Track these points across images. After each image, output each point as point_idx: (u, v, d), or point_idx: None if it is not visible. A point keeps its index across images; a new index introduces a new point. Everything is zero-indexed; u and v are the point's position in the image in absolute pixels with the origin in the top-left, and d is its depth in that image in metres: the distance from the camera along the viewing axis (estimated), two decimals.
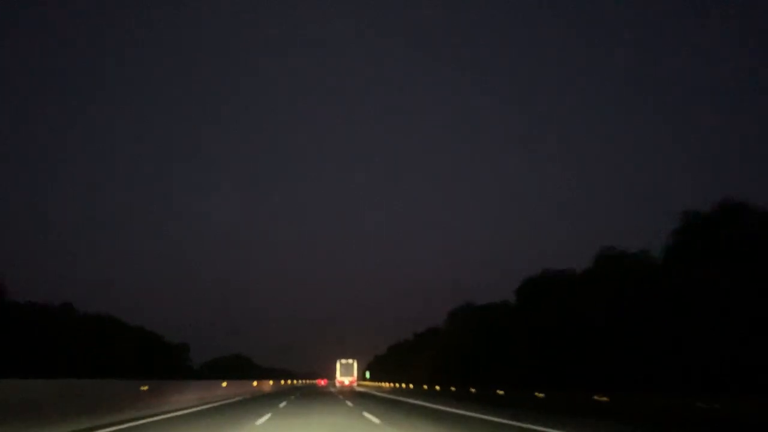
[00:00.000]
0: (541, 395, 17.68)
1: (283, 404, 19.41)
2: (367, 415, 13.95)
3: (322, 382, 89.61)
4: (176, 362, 52.46)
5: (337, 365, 58.97)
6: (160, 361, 43.40)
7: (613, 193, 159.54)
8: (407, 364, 60.64)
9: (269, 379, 52.44)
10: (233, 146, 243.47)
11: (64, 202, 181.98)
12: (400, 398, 26.66)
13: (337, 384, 58.09)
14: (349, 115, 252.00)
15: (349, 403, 20.18)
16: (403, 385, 52.95)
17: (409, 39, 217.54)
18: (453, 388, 30.60)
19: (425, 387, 41.49)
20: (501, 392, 21.48)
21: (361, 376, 71.81)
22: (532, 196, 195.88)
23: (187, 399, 17.94)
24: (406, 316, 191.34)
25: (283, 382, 60.66)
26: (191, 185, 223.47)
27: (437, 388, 35.61)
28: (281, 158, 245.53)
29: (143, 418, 12.24)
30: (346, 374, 58.09)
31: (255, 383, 33.78)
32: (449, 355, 40.60)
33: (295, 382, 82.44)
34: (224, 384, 24.11)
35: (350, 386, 56.37)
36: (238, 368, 78.92)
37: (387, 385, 64.63)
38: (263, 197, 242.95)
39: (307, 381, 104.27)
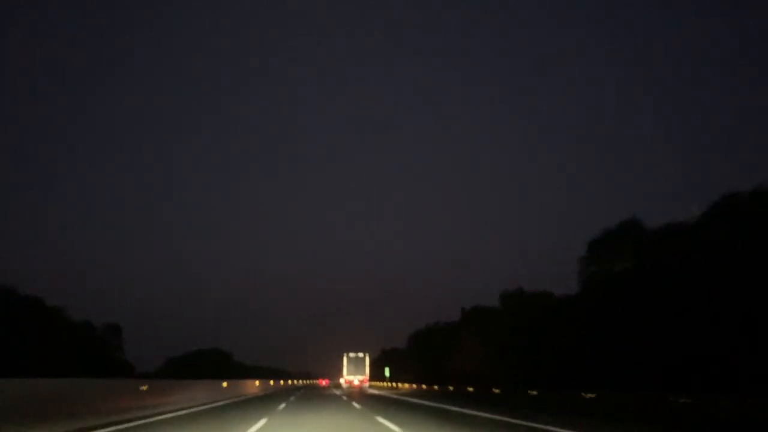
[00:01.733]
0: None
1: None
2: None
3: (324, 383, 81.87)
4: (96, 351, 35.24)
5: (344, 360, 45.34)
6: (53, 348, 26.39)
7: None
8: (443, 355, 45.32)
9: (254, 378, 40.50)
10: (233, 145, 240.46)
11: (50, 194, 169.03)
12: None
13: (344, 384, 44.55)
14: (349, 114, 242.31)
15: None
16: (427, 386, 39.27)
17: (408, 39, 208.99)
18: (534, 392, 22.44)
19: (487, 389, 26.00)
20: (592, 395, 17.13)
21: (375, 375, 55.99)
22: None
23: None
24: (407, 315, 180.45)
25: (269, 382, 46.05)
26: (187, 181, 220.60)
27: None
28: (281, 156, 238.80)
29: None
30: (356, 372, 44.71)
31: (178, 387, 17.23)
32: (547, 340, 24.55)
33: (291, 382, 73.10)
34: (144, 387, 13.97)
35: (360, 387, 43.43)
36: (212, 366, 62.83)
37: (406, 386, 50.76)
38: (258, 191, 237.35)
39: (305, 381, 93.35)
